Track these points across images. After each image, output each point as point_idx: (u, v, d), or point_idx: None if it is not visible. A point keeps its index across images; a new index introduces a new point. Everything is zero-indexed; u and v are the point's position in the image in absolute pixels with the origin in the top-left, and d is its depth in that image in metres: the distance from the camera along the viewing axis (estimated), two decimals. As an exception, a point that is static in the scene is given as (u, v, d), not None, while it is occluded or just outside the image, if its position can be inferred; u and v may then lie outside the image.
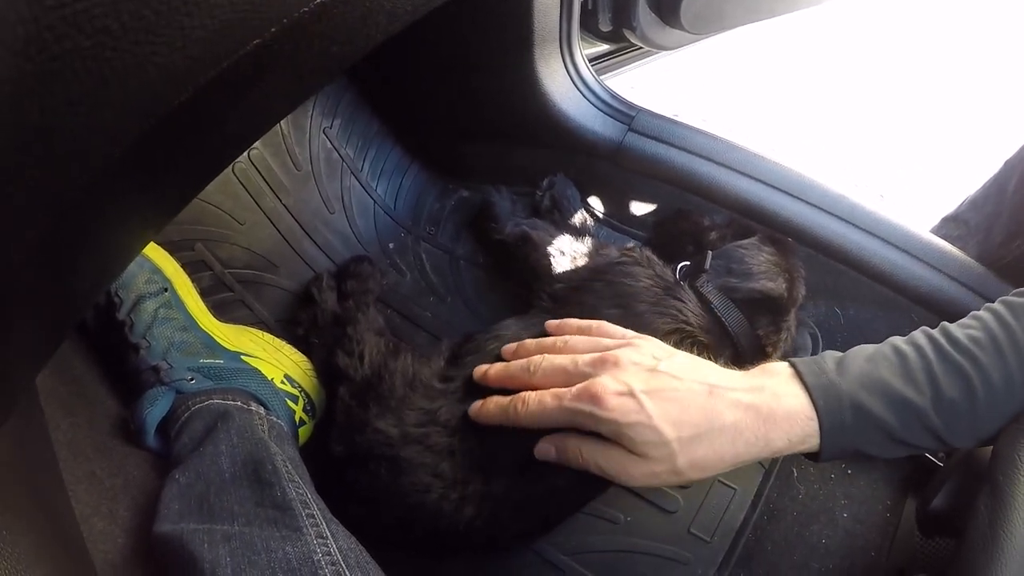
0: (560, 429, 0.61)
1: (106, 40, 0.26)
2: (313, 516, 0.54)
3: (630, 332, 0.65)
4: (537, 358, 0.64)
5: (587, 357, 0.60)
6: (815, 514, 0.78)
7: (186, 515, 0.56)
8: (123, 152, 0.32)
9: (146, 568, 0.56)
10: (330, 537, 0.53)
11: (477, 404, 0.65)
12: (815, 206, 0.86)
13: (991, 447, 0.54)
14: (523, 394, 0.61)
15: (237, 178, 0.91)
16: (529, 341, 0.68)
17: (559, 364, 0.62)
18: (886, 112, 2.06)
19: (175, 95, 0.30)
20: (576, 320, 0.69)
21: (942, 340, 0.55)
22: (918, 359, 0.55)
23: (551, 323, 0.71)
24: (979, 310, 0.58)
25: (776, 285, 0.77)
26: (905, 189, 1.83)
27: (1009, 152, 0.93)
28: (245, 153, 0.92)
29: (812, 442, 0.54)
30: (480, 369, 0.68)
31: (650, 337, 0.64)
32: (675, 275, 0.78)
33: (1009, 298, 0.58)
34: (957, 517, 0.57)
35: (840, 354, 0.58)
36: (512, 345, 0.69)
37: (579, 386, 0.58)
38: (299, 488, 0.57)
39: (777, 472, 0.80)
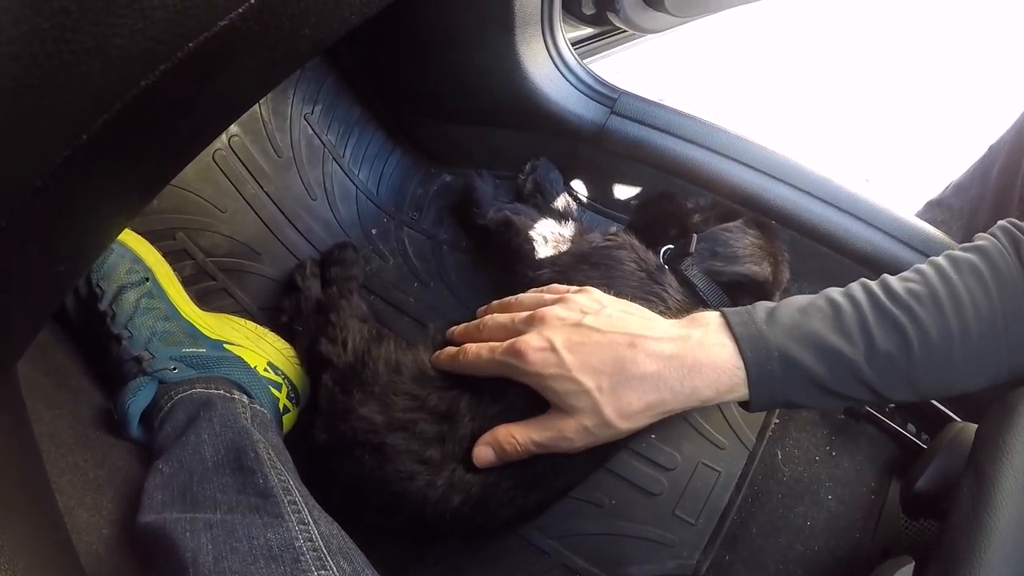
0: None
1: (65, 22, 0.26)
2: (295, 502, 0.54)
3: (573, 288, 0.68)
4: (488, 317, 0.69)
5: (523, 315, 0.65)
6: (800, 496, 0.78)
7: (169, 505, 0.56)
8: (90, 137, 0.31)
9: (131, 559, 0.56)
10: (312, 523, 0.53)
11: (436, 354, 0.70)
12: (799, 189, 0.86)
13: (975, 428, 0.54)
14: (466, 345, 0.67)
15: (217, 165, 0.91)
16: (495, 303, 0.74)
17: (501, 322, 0.67)
18: (871, 96, 2.06)
19: (139, 78, 0.30)
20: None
21: (879, 292, 0.55)
22: (853, 311, 0.55)
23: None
24: (922, 263, 0.58)
25: (761, 268, 0.77)
26: (890, 173, 1.83)
27: (994, 137, 0.93)
28: (225, 140, 0.91)
29: (741, 391, 0.56)
30: (450, 330, 0.73)
31: (592, 289, 0.67)
32: (659, 258, 0.78)
33: (953, 252, 0.57)
34: (941, 499, 0.57)
35: (772, 304, 0.59)
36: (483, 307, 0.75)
37: (507, 343, 0.62)
38: (281, 475, 0.57)
39: (761, 454, 0.81)
